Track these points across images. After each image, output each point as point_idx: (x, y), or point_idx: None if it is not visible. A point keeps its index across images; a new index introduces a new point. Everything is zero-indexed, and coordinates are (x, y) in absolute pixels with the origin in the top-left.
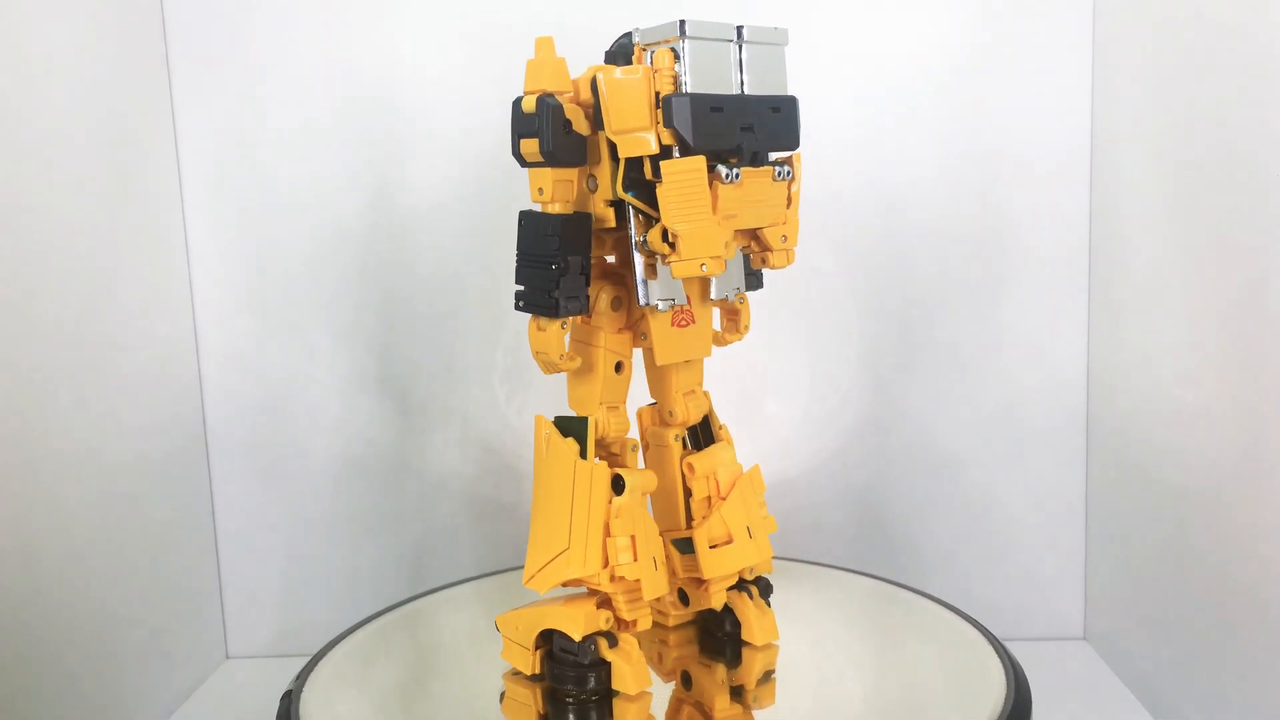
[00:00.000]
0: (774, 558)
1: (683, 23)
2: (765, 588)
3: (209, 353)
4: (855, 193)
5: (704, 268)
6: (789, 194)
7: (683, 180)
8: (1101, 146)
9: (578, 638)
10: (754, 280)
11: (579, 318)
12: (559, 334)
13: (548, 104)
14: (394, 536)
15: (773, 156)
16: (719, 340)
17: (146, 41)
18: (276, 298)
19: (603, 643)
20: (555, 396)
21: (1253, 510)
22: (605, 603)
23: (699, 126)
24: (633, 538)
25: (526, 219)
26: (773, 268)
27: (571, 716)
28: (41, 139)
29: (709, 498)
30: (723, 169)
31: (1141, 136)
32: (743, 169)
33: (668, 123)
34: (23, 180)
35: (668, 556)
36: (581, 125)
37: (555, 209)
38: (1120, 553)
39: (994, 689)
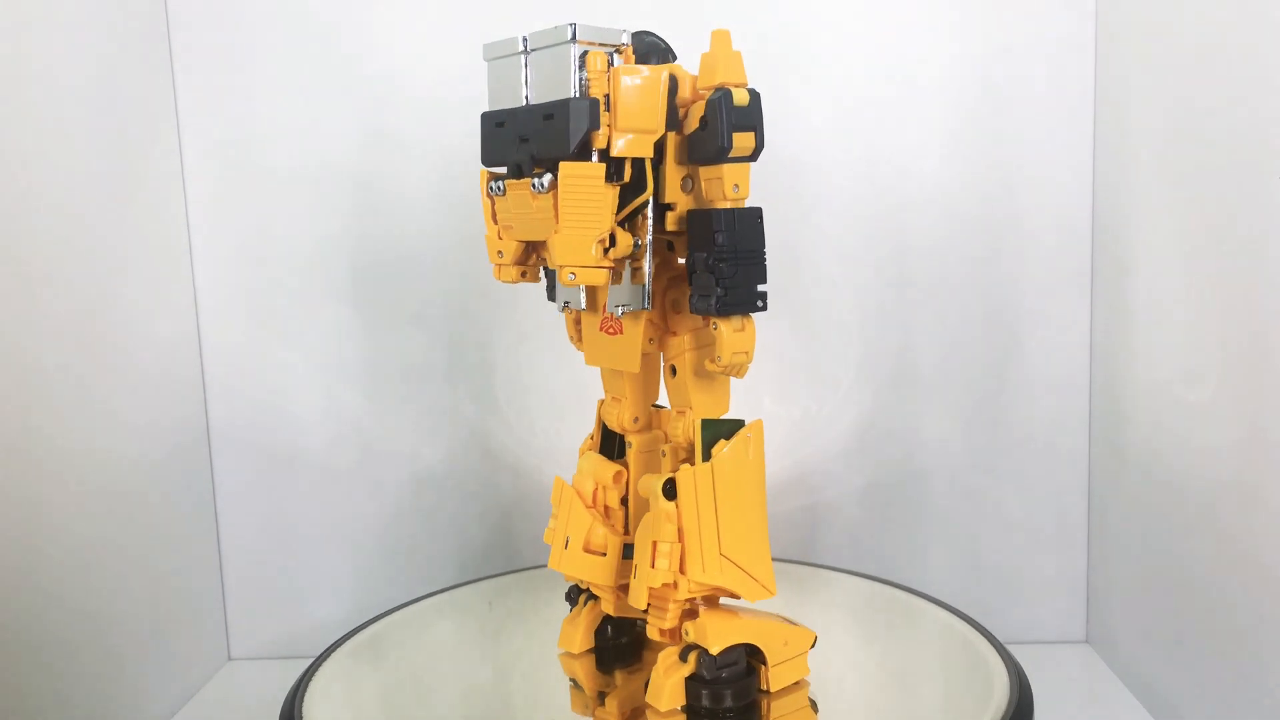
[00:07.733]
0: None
1: (486, 46)
2: (706, 663)
3: (212, 353)
4: (856, 193)
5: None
6: (555, 208)
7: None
8: (1104, 147)
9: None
10: (698, 303)
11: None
12: (567, 317)
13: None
14: (396, 538)
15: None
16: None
17: (151, 42)
18: (279, 298)
19: (581, 597)
20: (554, 397)
21: (1256, 512)
22: None
23: (485, 143)
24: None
25: None
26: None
27: None
28: (45, 139)
29: None
30: (492, 183)
31: (1144, 137)
32: (508, 181)
33: None
34: (27, 180)
35: None
36: None
37: None
38: (1123, 555)
39: (996, 692)
